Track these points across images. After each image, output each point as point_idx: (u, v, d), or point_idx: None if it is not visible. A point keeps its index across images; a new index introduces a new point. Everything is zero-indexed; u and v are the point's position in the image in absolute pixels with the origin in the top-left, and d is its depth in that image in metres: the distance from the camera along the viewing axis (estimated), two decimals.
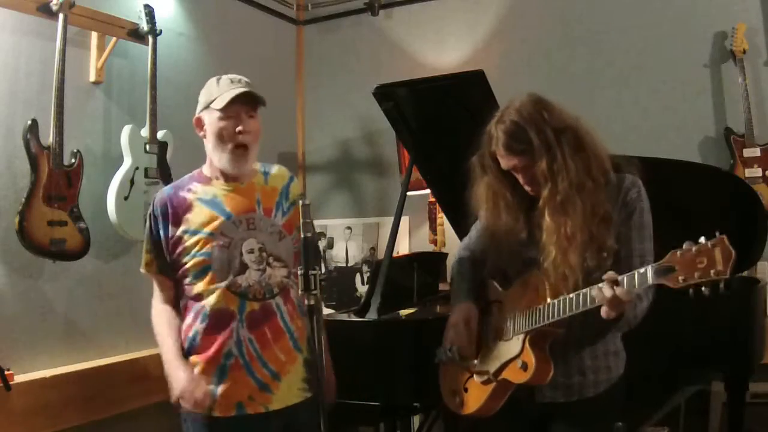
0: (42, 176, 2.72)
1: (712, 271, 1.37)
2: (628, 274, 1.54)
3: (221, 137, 1.96)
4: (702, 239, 1.40)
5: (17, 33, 2.84)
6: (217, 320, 1.94)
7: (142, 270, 2.06)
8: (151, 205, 2.03)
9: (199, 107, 2.02)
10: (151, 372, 3.13)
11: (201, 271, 1.95)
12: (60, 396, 2.78)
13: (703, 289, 1.40)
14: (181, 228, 1.96)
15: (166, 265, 2.00)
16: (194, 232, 1.96)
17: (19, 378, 2.66)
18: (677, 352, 2.55)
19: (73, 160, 2.85)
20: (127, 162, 3.07)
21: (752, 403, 2.93)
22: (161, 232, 1.99)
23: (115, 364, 3.08)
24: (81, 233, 2.85)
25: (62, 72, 2.76)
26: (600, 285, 1.57)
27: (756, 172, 3.34)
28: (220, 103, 1.94)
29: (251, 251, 1.96)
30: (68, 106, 2.81)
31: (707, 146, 3.56)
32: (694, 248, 1.41)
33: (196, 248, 1.95)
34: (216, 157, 1.99)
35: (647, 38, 3.68)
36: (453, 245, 3.54)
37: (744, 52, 3.40)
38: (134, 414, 3.13)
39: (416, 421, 3.28)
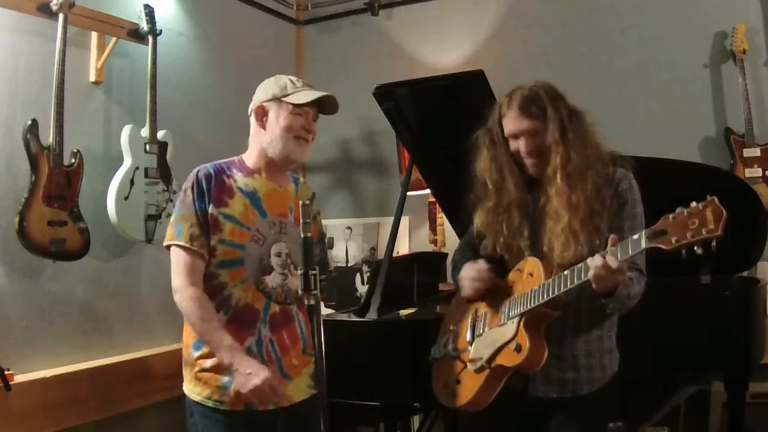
0: (42, 176, 2.71)
1: (703, 230, 1.40)
2: (622, 241, 1.56)
3: (289, 129, 1.97)
4: (693, 203, 1.43)
5: (17, 33, 2.83)
6: (242, 315, 1.93)
7: (185, 243, 1.90)
8: (194, 176, 1.96)
9: (265, 97, 2.01)
10: (151, 372, 3.14)
11: (231, 261, 1.93)
12: (60, 396, 2.78)
13: (695, 248, 1.42)
14: (221, 210, 1.94)
15: (208, 243, 1.92)
16: (232, 219, 1.94)
17: (19, 378, 2.66)
18: (677, 352, 2.54)
19: (73, 160, 2.85)
20: (127, 162, 3.07)
21: (752, 403, 2.93)
22: (206, 206, 1.93)
23: (115, 364, 3.07)
24: (81, 233, 2.84)
25: (62, 72, 2.76)
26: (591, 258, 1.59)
27: (756, 172, 3.34)
28: (300, 99, 1.96)
29: (279, 255, 1.98)
30: (68, 106, 2.81)
31: (707, 146, 3.55)
32: (685, 211, 1.44)
33: (232, 237, 1.93)
34: (276, 146, 1.98)
35: (647, 38, 3.68)
36: (453, 245, 3.54)
37: (744, 52, 3.40)
38: (134, 414, 3.13)
39: (416, 421, 3.28)
